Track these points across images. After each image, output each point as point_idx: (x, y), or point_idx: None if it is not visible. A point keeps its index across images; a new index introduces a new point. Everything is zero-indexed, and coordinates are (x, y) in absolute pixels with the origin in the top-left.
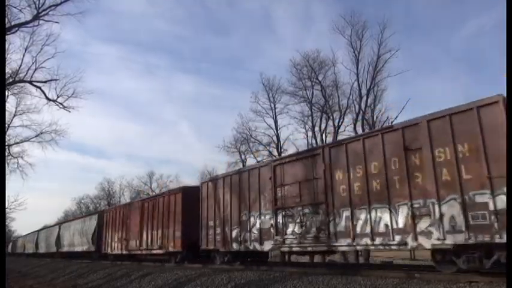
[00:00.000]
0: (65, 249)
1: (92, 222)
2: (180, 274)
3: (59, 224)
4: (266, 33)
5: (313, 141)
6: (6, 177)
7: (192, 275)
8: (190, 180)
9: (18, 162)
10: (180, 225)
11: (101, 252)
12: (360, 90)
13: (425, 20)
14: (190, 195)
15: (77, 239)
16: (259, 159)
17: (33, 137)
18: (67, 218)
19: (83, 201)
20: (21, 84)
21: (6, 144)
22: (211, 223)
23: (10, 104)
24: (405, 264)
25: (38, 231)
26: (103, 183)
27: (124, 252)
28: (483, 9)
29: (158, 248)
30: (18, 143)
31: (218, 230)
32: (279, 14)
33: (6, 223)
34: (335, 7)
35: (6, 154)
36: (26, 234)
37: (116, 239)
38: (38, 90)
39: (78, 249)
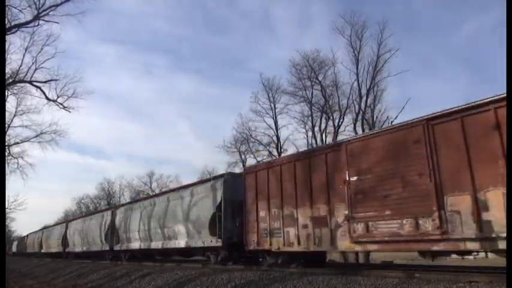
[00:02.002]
0: (133, 245)
1: (203, 196)
2: (180, 274)
3: (112, 208)
4: (266, 33)
5: (313, 141)
6: (6, 177)
7: (192, 275)
8: (191, 180)
9: (18, 163)
10: None
11: (250, 248)
12: (359, 90)
13: (425, 19)
14: None
15: (160, 228)
16: (259, 159)
17: (33, 137)
18: (67, 218)
19: (83, 201)
20: (21, 84)
21: (6, 144)
22: None
23: (10, 104)
24: (405, 264)
25: (67, 222)
26: (103, 183)
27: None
28: (483, 9)
29: None
30: (18, 143)
31: None
32: (278, 14)
33: (6, 223)
34: (335, 7)
35: (6, 154)
36: (43, 228)
37: (302, 221)
38: (38, 90)
39: (165, 244)
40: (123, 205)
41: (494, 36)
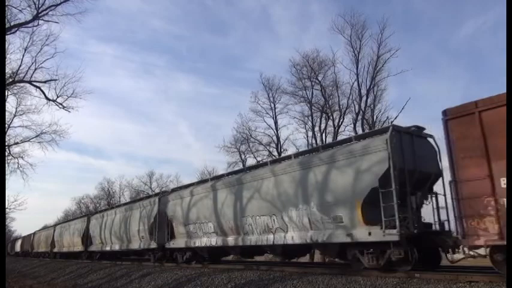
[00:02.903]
0: (201, 241)
1: (346, 162)
2: (180, 274)
3: (159, 195)
4: (265, 32)
5: (313, 141)
6: (6, 177)
7: (192, 274)
8: (191, 180)
9: (18, 163)
10: None
11: (475, 242)
12: (359, 90)
13: (425, 19)
14: None
15: (253, 216)
16: (259, 159)
17: (33, 137)
18: (66, 218)
19: (83, 201)
20: (21, 84)
21: (6, 144)
22: None
23: (10, 104)
24: None
25: (89, 216)
26: (103, 183)
27: None
28: (483, 9)
29: None
30: (18, 143)
31: None
32: (278, 13)
33: (6, 223)
34: (335, 6)
35: (6, 154)
36: (63, 222)
37: None
38: (38, 90)
39: (259, 239)
40: (178, 189)
41: (494, 36)
